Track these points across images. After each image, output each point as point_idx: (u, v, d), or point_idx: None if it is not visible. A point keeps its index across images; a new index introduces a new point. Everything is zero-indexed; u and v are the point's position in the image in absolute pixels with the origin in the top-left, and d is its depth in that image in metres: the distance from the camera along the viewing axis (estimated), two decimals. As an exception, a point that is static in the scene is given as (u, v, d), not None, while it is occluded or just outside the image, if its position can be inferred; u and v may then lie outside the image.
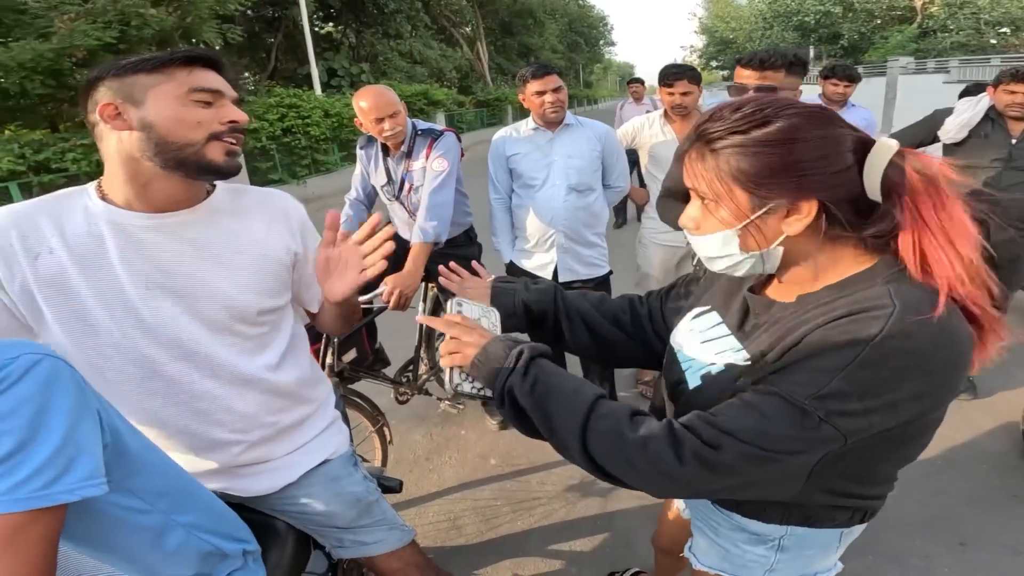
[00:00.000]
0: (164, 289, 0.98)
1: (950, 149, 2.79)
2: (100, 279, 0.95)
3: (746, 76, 1.75)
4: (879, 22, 34.66)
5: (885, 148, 0.70)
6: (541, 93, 2.25)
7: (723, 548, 1.02)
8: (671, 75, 2.44)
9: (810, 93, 3.28)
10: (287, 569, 1.22)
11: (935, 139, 2.87)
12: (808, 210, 0.72)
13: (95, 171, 7.77)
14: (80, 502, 0.72)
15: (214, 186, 1.08)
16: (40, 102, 9.10)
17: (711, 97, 3.44)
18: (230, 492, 1.15)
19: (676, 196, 1.88)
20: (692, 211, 0.81)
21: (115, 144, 0.93)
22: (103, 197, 0.98)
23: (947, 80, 11.62)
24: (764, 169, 0.71)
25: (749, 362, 0.80)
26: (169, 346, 0.99)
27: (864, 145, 0.72)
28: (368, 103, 2.16)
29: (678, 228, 1.63)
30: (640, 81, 7.08)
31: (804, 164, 0.70)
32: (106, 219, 0.96)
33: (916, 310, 0.65)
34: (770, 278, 0.88)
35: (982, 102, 2.66)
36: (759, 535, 0.94)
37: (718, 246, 0.79)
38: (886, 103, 11.16)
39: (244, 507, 1.22)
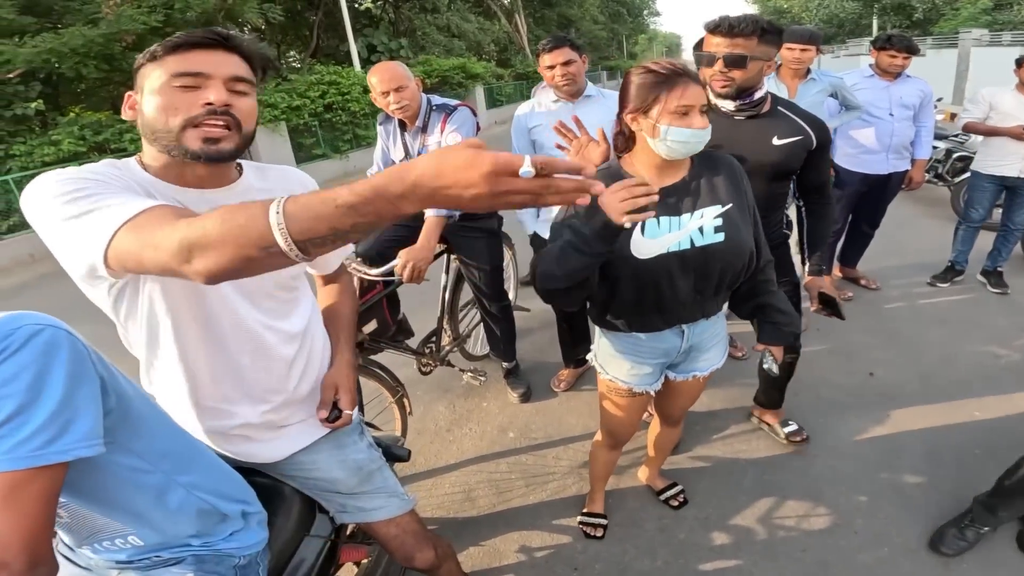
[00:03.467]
0: None
1: None
2: None
3: (715, 44, 1.63)
4: (951, -8, 31.93)
5: None
6: (551, 66, 2.29)
7: (722, 339, 1.61)
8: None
9: (841, 64, 3.15)
10: (292, 531, 1.26)
11: None
12: None
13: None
14: (86, 462, 0.76)
15: (240, 166, 1.09)
16: (99, 85, 9.50)
17: (820, 74, 3.25)
18: (241, 458, 1.20)
19: None
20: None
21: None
22: (145, 168, 0.99)
23: (1026, 53, 10.72)
24: None
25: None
26: (229, 306, 1.04)
27: None
28: (376, 78, 2.21)
29: None
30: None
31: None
32: (154, 188, 0.97)
33: None
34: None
35: None
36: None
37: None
38: (957, 76, 10.47)
39: (254, 471, 1.26)
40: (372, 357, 2.32)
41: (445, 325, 2.82)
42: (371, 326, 2.38)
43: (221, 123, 0.92)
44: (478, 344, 3.26)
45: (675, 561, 1.87)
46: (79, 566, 1.02)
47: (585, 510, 2.05)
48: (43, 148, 7.74)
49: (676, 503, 2.09)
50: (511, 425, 2.66)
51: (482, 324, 2.95)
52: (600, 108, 2.36)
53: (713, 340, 1.57)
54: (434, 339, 2.76)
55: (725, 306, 1.60)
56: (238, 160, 1.07)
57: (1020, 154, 3.26)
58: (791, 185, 1.93)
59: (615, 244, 1.21)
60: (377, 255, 2.37)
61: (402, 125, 2.42)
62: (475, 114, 2.38)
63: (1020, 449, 2.13)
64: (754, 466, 2.25)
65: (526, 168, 0.61)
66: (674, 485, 2.14)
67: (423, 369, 2.75)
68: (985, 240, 3.67)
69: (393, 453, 1.64)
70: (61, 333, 0.75)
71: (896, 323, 3.36)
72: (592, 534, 1.97)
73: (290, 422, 1.21)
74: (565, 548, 1.96)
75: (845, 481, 2.13)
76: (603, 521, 2.01)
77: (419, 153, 2.39)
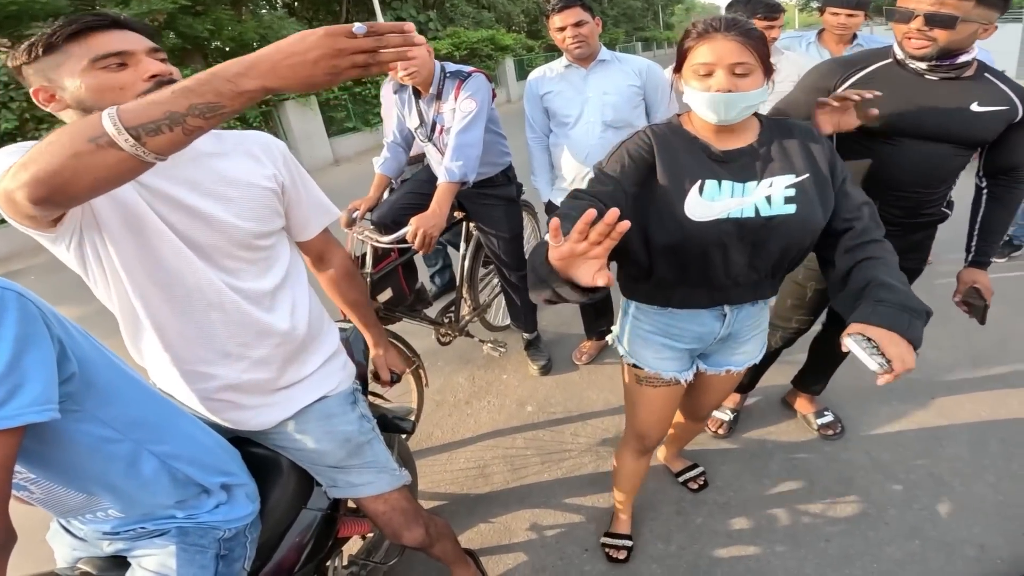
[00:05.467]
0: (171, 222, 0.99)
1: None
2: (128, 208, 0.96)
3: None
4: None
5: None
6: (562, 28, 2.17)
7: (763, 331, 1.44)
8: None
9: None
10: (287, 504, 1.23)
11: None
12: None
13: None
14: (51, 432, 0.73)
15: None
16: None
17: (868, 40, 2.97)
18: (231, 426, 1.17)
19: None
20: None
21: (71, 119, 0.92)
22: None
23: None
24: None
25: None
26: (186, 264, 1.01)
27: None
28: None
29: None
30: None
31: None
32: None
33: None
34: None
35: None
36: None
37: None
38: (1021, 49, 9.75)
39: (252, 442, 1.24)
40: (388, 327, 2.28)
41: (465, 294, 2.76)
42: (386, 295, 2.34)
43: None
44: (499, 314, 3.20)
45: (690, 546, 1.80)
46: (75, 536, 1.02)
47: (610, 530, 1.84)
48: None
49: (695, 486, 1.98)
50: (530, 399, 2.60)
51: (502, 294, 2.88)
52: (615, 73, 2.26)
53: (755, 330, 1.40)
54: (453, 309, 2.71)
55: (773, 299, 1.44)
56: None
57: None
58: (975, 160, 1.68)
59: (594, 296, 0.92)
60: (392, 223, 2.32)
61: (416, 93, 2.33)
62: (490, 81, 2.27)
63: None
64: (782, 449, 2.14)
65: (359, 26, 0.71)
66: (694, 466, 2.04)
67: (442, 339, 2.71)
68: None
69: (396, 425, 1.60)
70: (9, 294, 0.71)
71: (948, 300, 3.13)
72: (615, 556, 1.76)
73: (279, 385, 1.18)
74: (576, 528, 1.90)
75: (880, 469, 2.00)
76: (628, 543, 1.78)
77: (433, 120, 2.30)
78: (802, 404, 2.28)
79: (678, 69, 1.17)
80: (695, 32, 1.10)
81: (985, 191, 1.67)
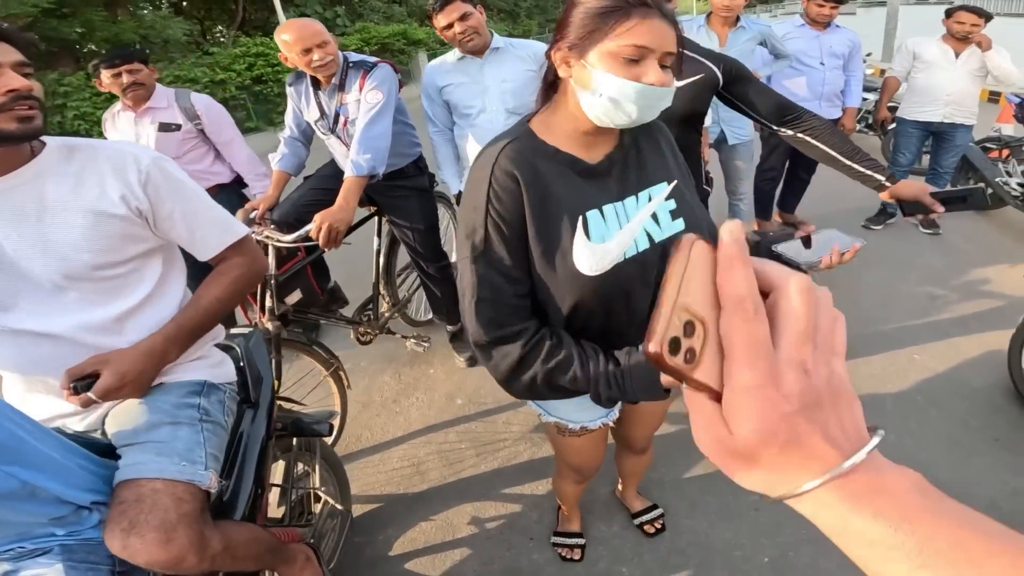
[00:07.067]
0: None
1: None
2: None
3: None
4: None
5: None
6: (448, 26, 2.12)
7: None
8: None
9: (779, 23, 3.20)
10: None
11: None
12: None
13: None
14: None
15: (43, 144, 1.03)
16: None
17: (750, 23, 3.13)
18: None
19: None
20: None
21: None
22: None
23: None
24: None
25: None
26: (10, 307, 0.99)
27: None
28: (292, 36, 1.98)
29: None
30: None
31: None
32: None
33: None
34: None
35: None
36: None
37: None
38: (886, 34, 10.68)
39: None
40: (298, 330, 2.15)
41: (382, 291, 2.65)
42: (294, 296, 2.21)
43: (26, 106, 0.93)
44: (421, 309, 3.11)
45: (631, 526, 1.81)
46: None
47: (559, 529, 1.77)
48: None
49: (652, 529, 1.76)
50: (459, 391, 2.54)
51: (422, 287, 2.79)
52: (511, 60, 2.25)
53: None
54: (371, 307, 2.60)
55: None
56: (42, 138, 1.02)
57: (943, 100, 3.36)
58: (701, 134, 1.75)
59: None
60: (296, 221, 2.17)
61: (315, 84, 2.19)
62: (396, 71, 2.17)
63: (961, 396, 2.15)
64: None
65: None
66: (653, 507, 1.81)
67: (362, 339, 2.59)
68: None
69: (312, 430, 1.51)
70: None
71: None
72: (569, 556, 1.70)
73: None
74: (519, 518, 1.87)
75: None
76: (580, 541, 1.73)
77: (336, 113, 2.17)
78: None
79: (577, 50, 0.85)
80: (621, 4, 0.82)
81: (802, 137, 1.55)
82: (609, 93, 0.83)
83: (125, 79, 2.35)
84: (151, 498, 0.95)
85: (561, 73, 0.90)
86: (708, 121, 2.56)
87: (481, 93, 2.25)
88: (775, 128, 1.59)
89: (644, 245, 0.95)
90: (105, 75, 2.34)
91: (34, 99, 0.94)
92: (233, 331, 1.50)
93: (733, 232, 0.29)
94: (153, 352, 1.04)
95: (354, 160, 1.98)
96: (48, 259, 0.98)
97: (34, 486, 0.88)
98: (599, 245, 0.91)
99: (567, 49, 0.86)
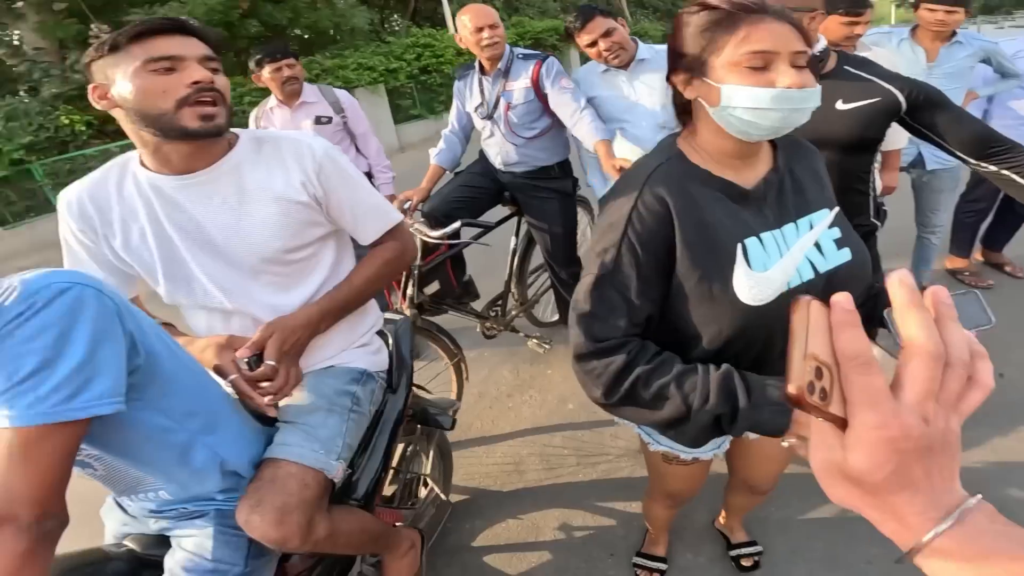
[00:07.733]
0: (201, 242, 1.09)
1: None
2: (160, 236, 1.08)
3: None
4: None
5: None
6: (592, 44, 2.16)
7: None
8: None
9: (1005, 36, 2.69)
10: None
11: None
12: None
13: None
14: (112, 417, 0.78)
15: (237, 136, 1.12)
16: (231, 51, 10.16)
17: (968, 37, 2.73)
18: None
19: None
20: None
21: (120, 119, 1.00)
22: (142, 163, 1.07)
23: None
24: None
25: None
26: (216, 290, 1.12)
27: None
28: (470, 15, 2.21)
29: None
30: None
31: None
32: (148, 183, 1.06)
33: None
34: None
35: None
36: None
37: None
38: None
39: None
40: (431, 319, 2.32)
41: (513, 289, 2.77)
42: (433, 287, 2.38)
43: (209, 99, 0.98)
44: (547, 310, 3.19)
45: (721, 560, 1.73)
46: (126, 512, 1.08)
47: (643, 550, 1.75)
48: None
49: (747, 563, 1.67)
50: (572, 396, 2.58)
51: (552, 290, 2.87)
52: (660, 71, 2.19)
53: None
54: (500, 303, 2.73)
55: None
56: (234, 131, 1.11)
57: None
58: (873, 163, 1.56)
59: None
60: (444, 216, 2.35)
61: (481, 70, 2.36)
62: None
63: None
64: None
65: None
66: (752, 543, 1.71)
67: (487, 333, 2.73)
68: None
69: (436, 421, 1.60)
70: (89, 291, 0.76)
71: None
72: None
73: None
74: (605, 532, 1.89)
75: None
76: (663, 566, 1.69)
77: (498, 99, 2.32)
78: None
79: (697, 70, 0.84)
80: (728, 14, 0.80)
81: (1007, 169, 1.38)
82: (744, 104, 0.80)
83: (285, 73, 2.51)
84: (282, 481, 1.02)
85: (687, 95, 0.89)
86: (903, 141, 2.27)
87: (629, 108, 2.25)
88: (973, 163, 1.41)
89: (808, 275, 0.90)
90: (267, 69, 2.48)
91: (217, 92, 0.99)
92: (385, 315, 1.56)
93: (904, 282, 0.36)
94: (310, 323, 1.15)
95: (596, 126, 2.20)
96: (248, 243, 1.08)
97: (223, 460, 0.98)
98: (761, 274, 0.87)
99: (685, 72, 0.86)
